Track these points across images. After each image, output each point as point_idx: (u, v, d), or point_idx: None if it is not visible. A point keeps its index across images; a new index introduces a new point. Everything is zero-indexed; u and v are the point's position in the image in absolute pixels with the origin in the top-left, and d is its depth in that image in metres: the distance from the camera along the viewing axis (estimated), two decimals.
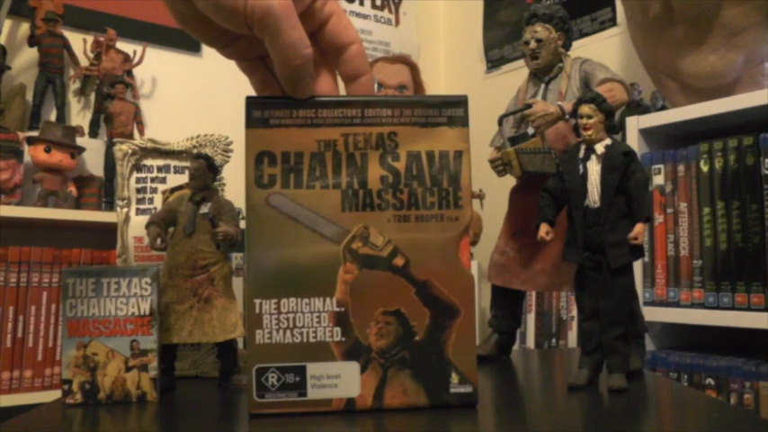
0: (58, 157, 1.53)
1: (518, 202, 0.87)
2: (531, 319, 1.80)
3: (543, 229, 0.63)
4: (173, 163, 0.75)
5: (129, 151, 0.73)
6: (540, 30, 0.91)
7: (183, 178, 0.74)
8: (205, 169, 0.62)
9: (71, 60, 1.74)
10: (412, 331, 0.47)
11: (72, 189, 1.58)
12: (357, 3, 2.36)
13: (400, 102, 0.49)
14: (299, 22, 0.41)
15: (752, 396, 1.18)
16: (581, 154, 0.62)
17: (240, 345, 0.65)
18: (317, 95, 0.47)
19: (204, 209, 0.61)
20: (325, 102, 0.47)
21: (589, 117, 0.61)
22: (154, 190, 0.74)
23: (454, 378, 0.47)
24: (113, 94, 1.69)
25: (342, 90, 0.48)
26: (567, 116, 0.84)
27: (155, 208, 0.73)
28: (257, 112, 0.47)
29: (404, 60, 1.65)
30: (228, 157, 0.76)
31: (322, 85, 0.47)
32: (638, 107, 1.50)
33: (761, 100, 1.19)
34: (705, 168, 1.28)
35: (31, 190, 1.53)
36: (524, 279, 0.84)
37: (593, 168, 0.61)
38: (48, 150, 1.52)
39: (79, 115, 1.79)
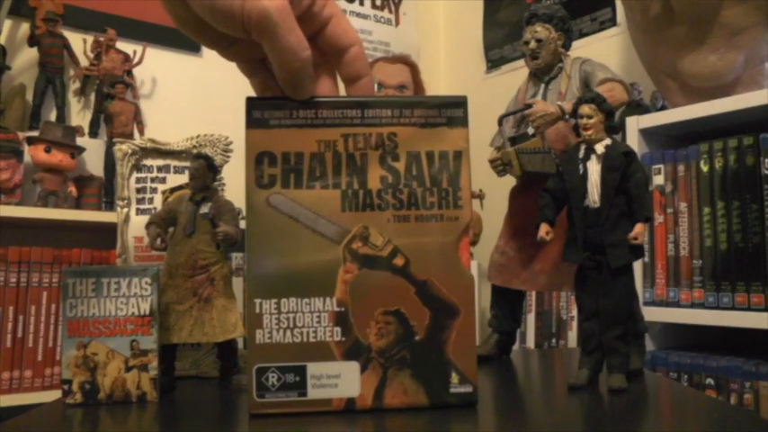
0: (58, 157, 1.53)
1: (518, 203, 0.87)
2: (531, 319, 1.80)
3: (543, 229, 0.63)
4: (173, 163, 0.75)
5: (129, 151, 0.73)
6: (540, 30, 0.91)
7: (183, 178, 0.74)
8: (205, 169, 0.62)
9: (71, 60, 1.74)
10: (412, 331, 0.47)
11: (72, 189, 1.58)
12: (357, 3, 2.36)
13: (400, 102, 0.49)
14: (296, 24, 0.40)
15: (752, 396, 1.18)
16: (581, 154, 0.62)
17: (240, 345, 0.65)
18: (316, 96, 0.47)
19: (204, 209, 0.62)
20: (325, 102, 0.47)
21: (589, 117, 0.61)
22: (154, 190, 0.74)
23: (454, 378, 0.48)
24: (113, 94, 1.69)
25: (342, 91, 0.48)
26: (567, 116, 0.84)
27: (155, 208, 0.73)
28: (257, 113, 0.47)
29: (404, 60, 1.64)
30: (228, 157, 0.76)
31: (322, 87, 0.47)
32: (638, 107, 1.50)
33: (761, 100, 1.19)
34: (705, 168, 1.28)
35: (31, 190, 1.53)
36: (524, 279, 0.84)
37: (594, 168, 0.61)
38: (48, 150, 1.51)
39: (79, 115, 1.79)
